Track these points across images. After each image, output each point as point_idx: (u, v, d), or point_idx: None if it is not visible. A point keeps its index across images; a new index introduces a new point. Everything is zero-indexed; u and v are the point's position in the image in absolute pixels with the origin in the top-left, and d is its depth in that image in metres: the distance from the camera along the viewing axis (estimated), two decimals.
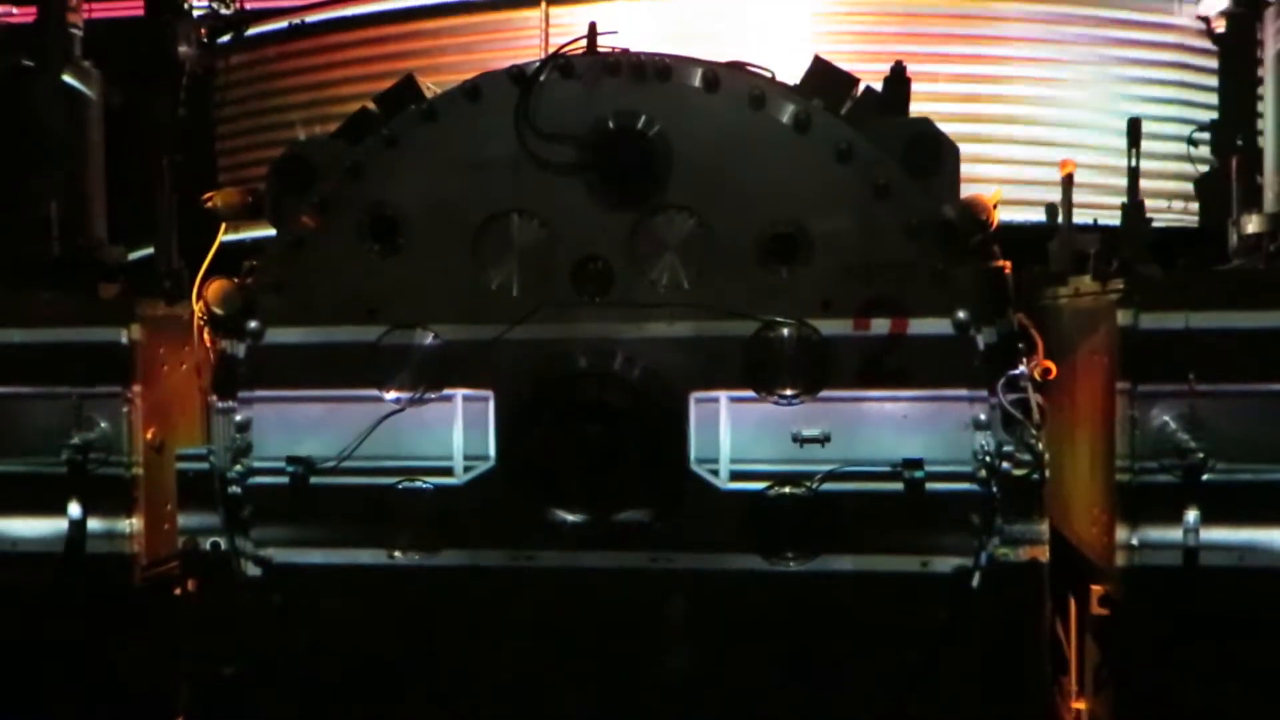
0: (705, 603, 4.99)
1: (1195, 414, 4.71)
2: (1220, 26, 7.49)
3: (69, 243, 6.91)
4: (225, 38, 8.20)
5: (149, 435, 5.58)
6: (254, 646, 5.25)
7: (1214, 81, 7.59)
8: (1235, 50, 7.50)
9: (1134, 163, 5.58)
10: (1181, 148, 7.44)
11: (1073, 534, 5.42)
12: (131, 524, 5.55)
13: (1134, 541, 4.78)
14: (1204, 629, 4.81)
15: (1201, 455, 4.64)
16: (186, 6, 8.27)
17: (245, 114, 8.32)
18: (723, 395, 4.94)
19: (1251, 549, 4.73)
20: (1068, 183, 5.94)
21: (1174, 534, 4.67)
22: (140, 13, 8.77)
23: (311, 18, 7.84)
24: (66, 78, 7.17)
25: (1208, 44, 7.59)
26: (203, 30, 8.33)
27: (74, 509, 5.41)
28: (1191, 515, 4.62)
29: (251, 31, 8.17)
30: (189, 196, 6.12)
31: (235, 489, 5.22)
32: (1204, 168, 7.48)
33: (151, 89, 8.28)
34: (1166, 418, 4.73)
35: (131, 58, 8.26)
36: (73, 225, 7.00)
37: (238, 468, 5.21)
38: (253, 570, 5.25)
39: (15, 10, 8.76)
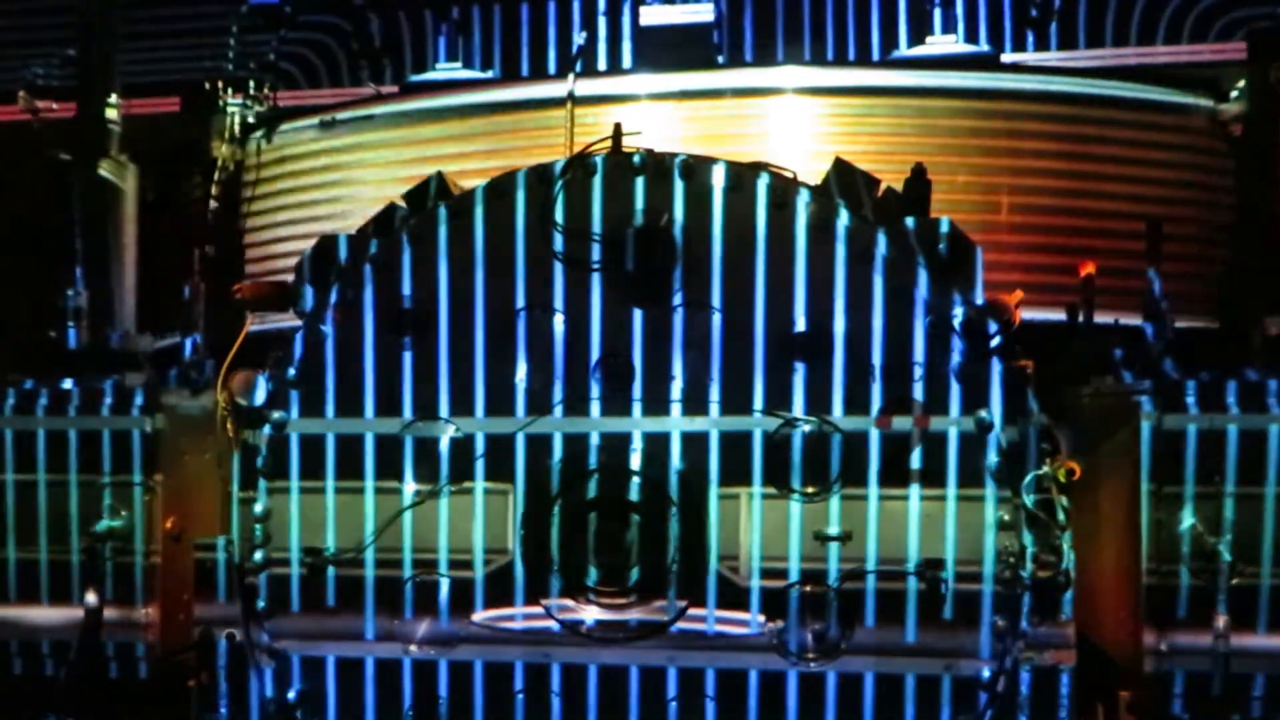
0: (726, 701, 4.92)
1: (1223, 517, 4.67)
2: (1237, 130, 7.56)
3: (97, 332, 7.01)
4: (258, 133, 8.38)
5: (168, 524, 5.59)
6: None
7: (1231, 183, 7.64)
8: (1253, 152, 7.55)
9: (1154, 263, 5.60)
10: (1201, 249, 7.45)
11: (1099, 638, 5.32)
12: (148, 613, 5.53)
13: (1162, 647, 4.70)
14: None
15: (1230, 559, 4.59)
16: (221, 103, 8.48)
17: (275, 208, 8.46)
18: (743, 492, 4.93)
19: None
20: (1088, 283, 5.96)
21: (1203, 639, 4.60)
22: (176, 109, 9.01)
23: (342, 115, 8.01)
24: (102, 170, 7.35)
25: (1225, 146, 7.66)
26: (236, 126, 8.51)
27: (90, 598, 5.40)
28: (1221, 620, 4.55)
29: (284, 127, 8.35)
30: (218, 287, 6.21)
31: (252, 579, 5.22)
32: (1224, 268, 7.48)
33: (184, 182, 8.47)
34: (1194, 520, 4.69)
35: (166, 152, 8.46)
36: (102, 315, 7.11)
37: (256, 558, 5.21)
38: (267, 662, 5.23)
39: (56, 106, 9.02)
